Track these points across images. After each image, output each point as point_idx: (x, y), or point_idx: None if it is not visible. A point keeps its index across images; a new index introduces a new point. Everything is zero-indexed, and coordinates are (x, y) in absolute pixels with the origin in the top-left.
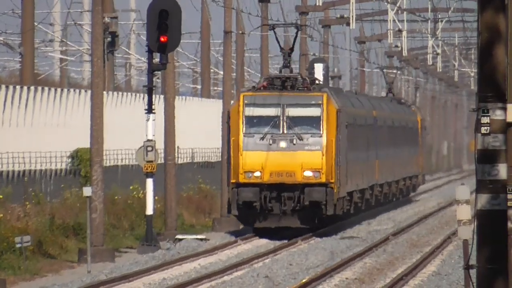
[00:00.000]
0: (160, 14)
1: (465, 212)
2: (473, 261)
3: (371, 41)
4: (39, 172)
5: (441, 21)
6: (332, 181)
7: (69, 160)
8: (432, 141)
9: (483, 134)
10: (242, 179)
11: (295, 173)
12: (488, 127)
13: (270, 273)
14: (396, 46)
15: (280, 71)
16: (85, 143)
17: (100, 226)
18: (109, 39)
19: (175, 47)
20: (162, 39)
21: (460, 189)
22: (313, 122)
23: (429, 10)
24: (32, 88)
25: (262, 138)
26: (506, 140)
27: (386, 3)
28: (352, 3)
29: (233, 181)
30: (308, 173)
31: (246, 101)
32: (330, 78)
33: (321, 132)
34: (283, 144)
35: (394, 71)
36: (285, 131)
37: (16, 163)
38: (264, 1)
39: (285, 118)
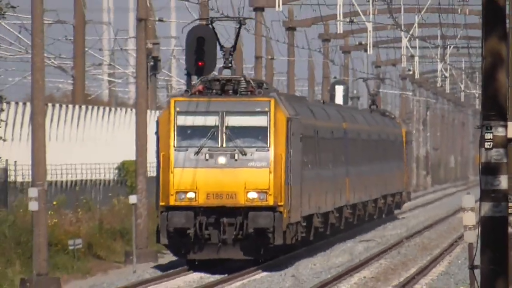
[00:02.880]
0: (197, 40)
1: (470, 218)
2: (477, 262)
3: (386, 65)
4: (89, 182)
5: (449, 47)
6: (281, 203)
7: (116, 171)
8: (441, 155)
9: (487, 149)
10: (173, 201)
11: (236, 195)
12: (491, 143)
13: (296, 273)
14: (409, 70)
15: (220, 72)
16: (131, 156)
17: (144, 231)
18: (151, 63)
19: (211, 71)
20: (199, 63)
21: (466, 198)
22: (259, 133)
23: (439, 38)
24: (83, 107)
25: (197, 153)
26: (507, 154)
27: (400, 31)
28: (370, 31)
29: (163, 203)
30: (253, 195)
31: (178, 108)
32: (350, 98)
33: (268, 146)
34: (222, 159)
35: (377, 81)
36: (224, 145)
37: (69, 174)
38: (290, 29)
39: (224, 128)
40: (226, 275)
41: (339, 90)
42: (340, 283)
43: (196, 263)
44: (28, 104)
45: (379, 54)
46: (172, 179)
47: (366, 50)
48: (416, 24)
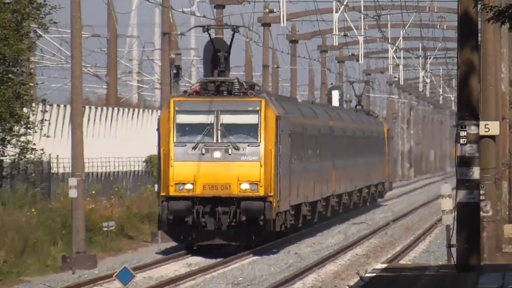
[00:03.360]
0: (214, 52)
1: (447, 204)
2: (453, 241)
3: (375, 73)
4: (121, 173)
5: (429, 57)
6: (271, 194)
7: (144, 164)
8: (423, 149)
9: (461, 144)
10: (172, 191)
11: (230, 186)
12: (465, 139)
13: (299, 251)
14: (395, 77)
15: (214, 74)
16: (156, 150)
17: None
18: (174, 71)
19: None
20: (214, 70)
21: (444, 187)
22: (250, 130)
23: (420, 49)
24: (115, 108)
25: (195, 148)
26: (479, 149)
27: (387, 44)
28: (361, 44)
29: (163, 194)
30: (245, 186)
31: (177, 107)
32: (344, 101)
33: (259, 141)
34: (217, 154)
35: (367, 85)
36: (219, 140)
37: (103, 166)
38: (293, 42)
39: (219, 126)
40: (221, 259)
41: (335, 94)
42: (336, 260)
43: (195, 248)
44: (68, 106)
45: (369, 63)
46: (171, 172)
47: (358, 60)
48: (401, 38)
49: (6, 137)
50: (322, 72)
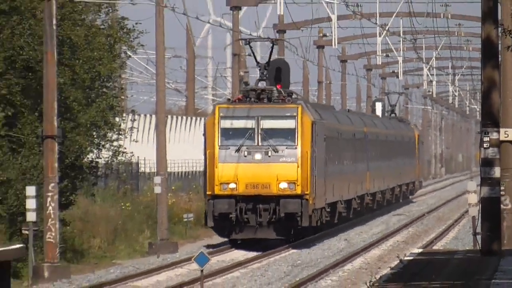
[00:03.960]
0: (276, 69)
1: (473, 198)
2: (478, 230)
3: (412, 88)
4: (198, 172)
5: (458, 74)
6: (307, 192)
7: None
8: (452, 152)
9: (485, 148)
10: (217, 190)
11: (270, 185)
12: (488, 143)
13: (348, 238)
14: (429, 91)
15: (257, 84)
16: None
17: None
18: (243, 86)
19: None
20: (278, 86)
21: (470, 184)
22: (288, 134)
23: (450, 68)
24: (194, 118)
25: (237, 150)
26: (499, 152)
27: (422, 63)
28: (400, 63)
29: (209, 193)
30: (284, 185)
31: (221, 114)
32: (386, 112)
33: (296, 144)
34: (258, 156)
35: (397, 95)
36: (260, 143)
37: (183, 167)
38: (343, 61)
39: (259, 130)
40: (261, 252)
41: (378, 105)
42: (380, 245)
43: (239, 242)
44: (153, 116)
45: (407, 79)
46: (216, 173)
47: (397, 77)
48: (433, 58)
49: (101, 142)
50: (368, 87)
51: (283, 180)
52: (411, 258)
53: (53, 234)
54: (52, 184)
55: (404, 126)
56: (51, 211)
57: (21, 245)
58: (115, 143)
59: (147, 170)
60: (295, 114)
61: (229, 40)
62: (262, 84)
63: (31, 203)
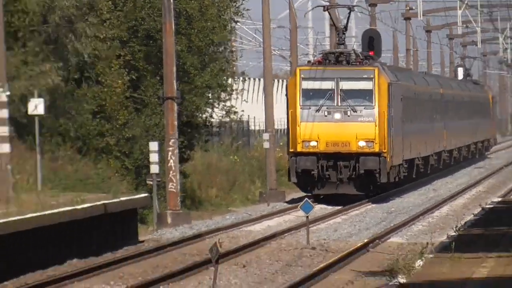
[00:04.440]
0: (369, 38)
1: None
2: None
3: (490, 55)
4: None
5: None
6: (385, 150)
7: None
8: None
9: None
10: (300, 148)
11: (349, 143)
12: None
13: (435, 188)
14: (504, 58)
15: (335, 48)
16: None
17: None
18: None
19: (378, 58)
20: (370, 52)
21: None
22: (366, 94)
23: None
24: None
25: (318, 110)
26: None
27: (498, 32)
28: (478, 32)
29: (292, 150)
30: (362, 143)
31: (302, 75)
32: (467, 76)
33: (374, 104)
34: (337, 115)
35: (484, 63)
36: (339, 103)
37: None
38: (428, 32)
39: (339, 91)
40: (341, 206)
41: (460, 70)
42: (464, 194)
43: (321, 197)
44: (261, 80)
45: (485, 47)
46: (299, 131)
47: (476, 45)
48: (508, 28)
49: (214, 102)
50: (450, 54)
51: (361, 138)
52: (491, 206)
53: (174, 184)
54: (173, 140)
55: (479, 88)
56: (172, 164)
57: (146, 194)
58: (227, 103)
59: (257, 128)
60: (372, 76)
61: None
62: (340, 48)
63: (154, 157)
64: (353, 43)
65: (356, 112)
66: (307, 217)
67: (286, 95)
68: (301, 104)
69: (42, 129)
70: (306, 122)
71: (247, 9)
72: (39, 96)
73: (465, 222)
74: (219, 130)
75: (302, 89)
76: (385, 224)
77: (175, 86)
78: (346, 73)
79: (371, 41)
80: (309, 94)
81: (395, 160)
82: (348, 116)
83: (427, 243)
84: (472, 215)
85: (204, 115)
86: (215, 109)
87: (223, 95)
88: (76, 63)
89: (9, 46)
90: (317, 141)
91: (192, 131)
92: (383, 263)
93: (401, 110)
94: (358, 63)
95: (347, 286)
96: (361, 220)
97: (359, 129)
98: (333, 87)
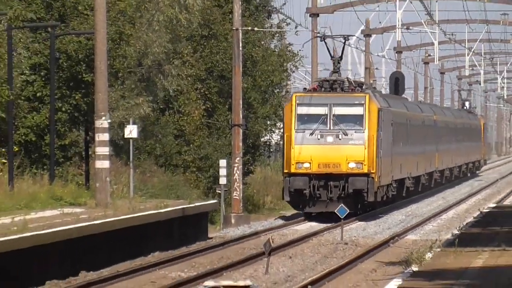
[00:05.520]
0: (395, 79)
1: None
2: None
3: (490, 91)
4: None
5: None
6: (373, 171)
7: None
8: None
9: None
10: (293, 169)
11: (340, 165)
12: None
13: (444, 196)
14: (502, 94)
15: (330, 76)
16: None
17: None
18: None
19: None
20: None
21: None
22: (357, 119)
23: None
24: None
25: (312, 134)
26: None
27: (497, 74)
28: (482, 75)
29: (286, 171)
30: (352, 165)
31: (298, 101)
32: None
33: (364, 129)
34: (330, 139)
35: (466, 92)
36: (332, 128)
37: None
38: (442, 73)
39: (332, 116)
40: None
41: (467, 104)
42: (467, 201)
43: (313, 214)
44: None
45: (487, 86)
46: (293, 153)
47: (480, 84)
48: (505, 71)
49: (272, 128)
50: (459, 91)
51: (351, 160)
52: (488, 210)
53: (238, 193)
54: (238, 158)
55: (472, 116)
56: (237, 177)
57: (215, 200)
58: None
59: None
60: (363, 102)
61: (362, 58)
62: (335, 76)
63: (222, 171)
64: (383, 82)
65: (347, 135)
66: (342, 219)
67: (283, 119)
68: (296, 128)
69: (135, 149)
70: (300, 145)
71: (305, 57)
72: (133, 123)
73: (467, 223)
74: (276, 149)
75: (297, 114)
76: (404, 224)
77: (241, 116)
78: (339, 99)
79: (397, 81)
80: (303, 119)
81: (383, 180)
82: (340, 139)
83: (436, 239)
84: (473, 218)
85: (264, 139)
86: (273, 134)
87: (279, 123)
88: (163, 97)
89: (110, 84)
90: (310, 163)
91: (255, 151)
92: (400, 255)
93: (391, 134)
94: (350, 90)
95: (372, 273)
96: (385, 222)
97: (349, 151)
98: (326, 112)
